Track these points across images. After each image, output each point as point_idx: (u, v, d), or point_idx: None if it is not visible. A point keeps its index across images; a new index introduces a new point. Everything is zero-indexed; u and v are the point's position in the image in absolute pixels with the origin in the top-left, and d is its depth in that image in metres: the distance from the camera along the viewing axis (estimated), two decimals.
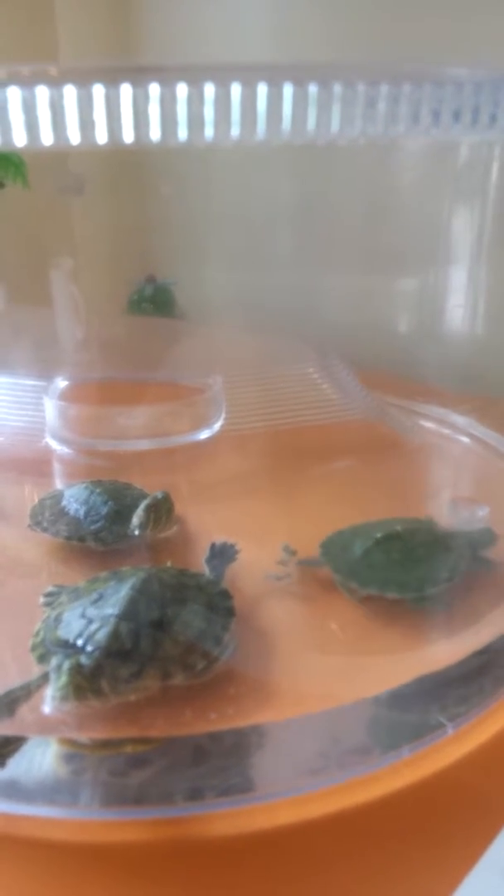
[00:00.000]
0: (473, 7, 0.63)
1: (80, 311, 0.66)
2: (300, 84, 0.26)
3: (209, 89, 0.27)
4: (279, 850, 0.31)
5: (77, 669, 0.31)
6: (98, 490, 0.47)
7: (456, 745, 0.34)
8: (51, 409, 0.57)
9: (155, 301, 0.81)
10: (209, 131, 0.27)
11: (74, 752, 0.33)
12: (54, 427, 0.57)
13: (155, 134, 0.27)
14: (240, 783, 0.34)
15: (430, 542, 0.42)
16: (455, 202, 0.56)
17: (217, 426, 0.57)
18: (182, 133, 0.27)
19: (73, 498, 0.47)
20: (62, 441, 0.56)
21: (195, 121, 0.27)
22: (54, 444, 0.56)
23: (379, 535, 0.42)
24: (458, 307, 0.57)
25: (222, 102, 0.27)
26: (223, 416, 0.58)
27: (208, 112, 0.27)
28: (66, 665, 0.31)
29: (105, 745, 0.33)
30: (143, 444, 0.56)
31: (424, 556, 0.41)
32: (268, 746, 0.34)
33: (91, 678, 0.32)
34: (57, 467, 0.55)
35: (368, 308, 0.65)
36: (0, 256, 0.68)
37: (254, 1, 0.75)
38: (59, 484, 0.53)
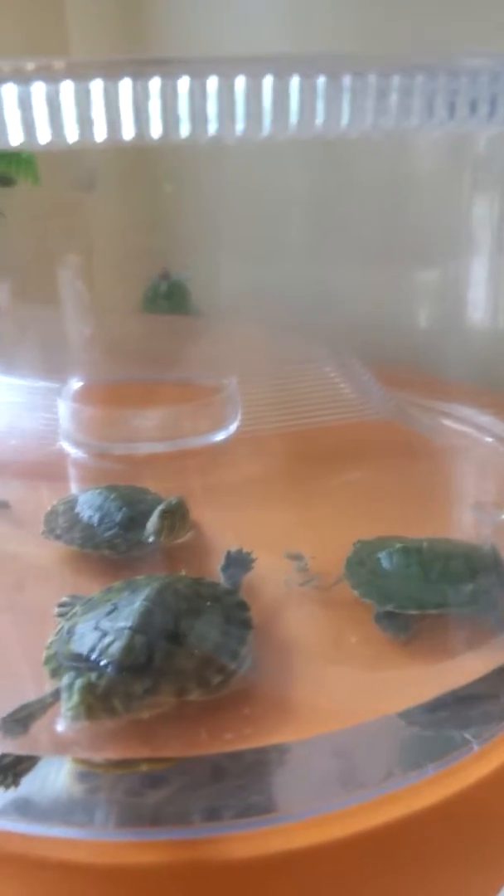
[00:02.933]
0: None
1: (91, 311, 0.66)
2: (307, 76, 0.24)
3: (212, 83, 0.25)
4: (299, 873, 0.30)
5: (89, 689, 0.31)
6: (112, 496, 0.46)
7: (481, 762, 0.33)
8: (64, 411, 0.57)
9: (170, 297, 0.80)
10: (213, 126, 0.26)
11: (89, 771, 0.33)
12: (68, 430, 0.56)
13: (156, 130, 0.26)
14: (259, 803, 0.33)
15: (455, 558, 0.41)
16: (475, 192, 0.54)
17: (233, 427, 0.56)
18: (184, 129, 0.26)
19: (87, 504, 0.46)
20: (76, 444, 0.55)
21: (198, 116, 0.25)
22: (68, 448, 0.56)
23: (399, 545, 0.41)
24: (479, 300, 0.55)
25: (226, 96, 0.25)
26: (239, 416, 0.57)
27: (211, 107, 0.25)
28: (78, 684, 0.31)
29: (120, 763, 0.32)
30: (159, 447, 0.55)
31: (446, 572, 0.40)
32: (288, 765, 0.33)
33: (103, 698, 0.31)
34: (71, 471, 0.55)
35: (387, 303, 0.63)
36: (11, 254, 0.67)
37: None
38: (73, 488, 0.52)
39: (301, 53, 0.26)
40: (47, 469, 0.55)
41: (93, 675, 0.31)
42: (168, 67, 0.25)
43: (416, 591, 0.39)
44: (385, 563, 0.41)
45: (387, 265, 0.62)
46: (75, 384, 0.59)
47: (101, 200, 0.73)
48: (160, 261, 0.81)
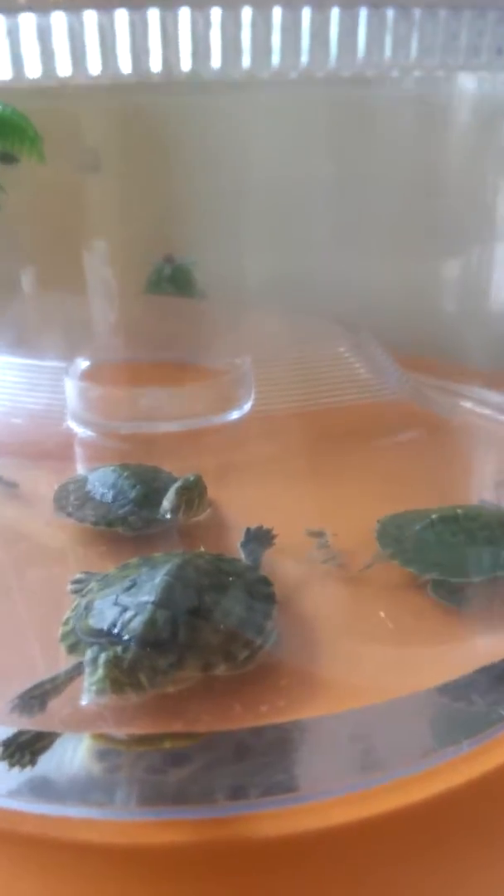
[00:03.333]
0: None
1: (108, 291, 0.64)
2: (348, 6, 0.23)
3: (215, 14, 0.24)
4: (328, 853, 0.29)
5: (114, 662, 0.29)
6: (126, 473, 0.45)
7: None
8: (72, 390, 0.55)
9: (174, 281, 0.79)
10: (216, 61, 0.24)
11: (109, 749, 0.31)
12: (76, 409, 0.55)
13: (156, 65, 0.24)
14: (285, 781, 0.32)
15: (493, 525, 0.40)
16: (498, 177, 0.53)
17: (247, 407, 0.55)
18: (185, 63, 0.24)
19: (100, 482, 0.45)
20: (84, 423, 0.54)
21: (200, 50, 0.24)
22: (76, 427, 0.54)
23: (435, 516, 0.40)
24: (500, 285, 0.54)
25: (231, 29, 0.24)
26: (253, 396, 0.55)
27: (215, 39, 0.24)
28: (103, 658, 0.29)
29: (142, 740, 0.31)
30: (169, 427, 0.53)
31: (488, 539, 0.39)
32: (315, 742, 0.32)
33: (129, 672, 0.29)
34: (79, 451, 0.53)
35: (405, 287, 0.62)
36: (14, 234, 0.66)
37: None
38: (81, 469, 0.51)
39: None
40: (55, 449, 0.54)
41: (118, 649, 0.30)
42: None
43: (467, 559, 0.38)
44: (427, 534, 0.39)
45: (406, 250, 0.61)
46: (83, 363, 0.58)
47: (105, 182, 0.72)
48: (165, 244, 0.79)
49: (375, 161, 0.58)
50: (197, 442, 0.53)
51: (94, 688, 0.29)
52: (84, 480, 0.46)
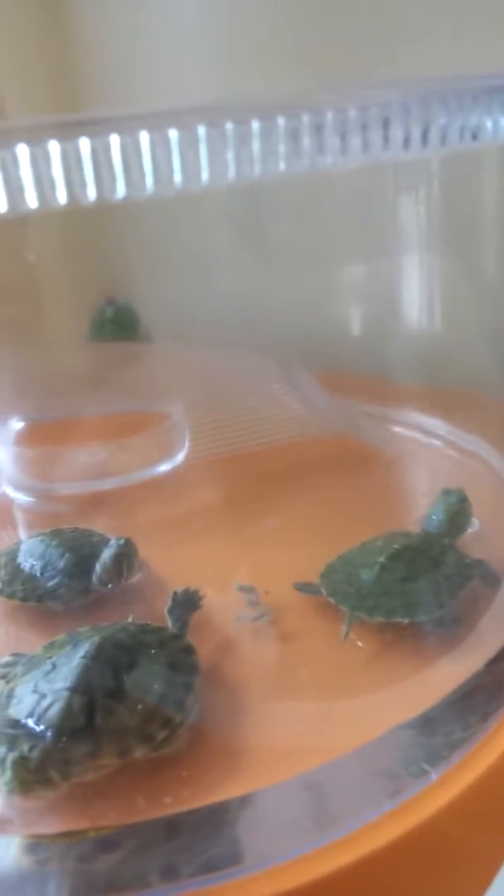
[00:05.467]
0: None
1: (34, 344, 0.64)
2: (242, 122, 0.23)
3: (144, 138, 0.24)
4: None
5: (21, 763, 0.29)
6: (55, 542, 0.45)
7: (439, 792, 0.32)
8: (5, 454, 0.55)
9: (117, 322, 0.79)
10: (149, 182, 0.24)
11: (37, 842, 0.31)
12: (11, 474, 0.54)
13: (91, 192, 0.24)
14: (225, 854, 0.31)
15: (432, 556, 0.41)
16: (398, 193, 0.53)
17: (180, 456, 0.55)
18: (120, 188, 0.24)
19: (30, 553, 0.45)
20: (20, 488, 0.54)
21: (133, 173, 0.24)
22: (12, 493, 0.54)
23: (383, 558, 0.41)
24: (414, 300, 0.54)
25: (161, 151, 0.24)
26: (186, 444, 0.56)
27: (147, 163, 0.24)
28: (10, 758, 0.29)
29: (66, 832, 0.31)
30: (106, 484, 0.53)
31: (429, 572, 0.40)
32: (252, 811, 0.32)
33: (38, 770, 0.29)
34: (18, 517, 0.53)
35: (329, 309, 0.62)
36: None
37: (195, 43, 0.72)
38: (21, 535, 0.51)
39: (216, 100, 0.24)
40: None
41: (25, 748, 0.30)
42: (97, 126, 0.24)
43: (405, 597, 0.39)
44: (383, 577, 0.40)
45: (321, 271, 0.61)
46: (16, 424, 0.58)
47: (40, 231, 0.72)
48: (107, 286, 0.80)
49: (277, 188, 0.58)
50: (133, 497, 0.53)
51: (4, 789, 0.29)
52: (15, 552, 0.46)
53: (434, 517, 0.45)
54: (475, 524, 0.46)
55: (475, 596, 0.40)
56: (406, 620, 0.38)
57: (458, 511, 0.44)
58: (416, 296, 0.55)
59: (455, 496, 0.45)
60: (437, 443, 0.56)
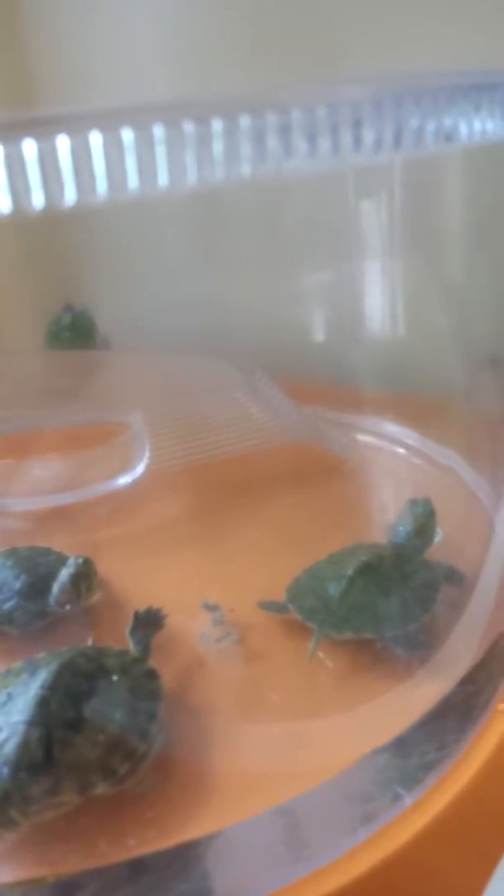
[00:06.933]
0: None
1: None
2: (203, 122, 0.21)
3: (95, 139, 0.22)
4: None
5: None
6: (10, 563, 0.43)
7: (414, 817, 0.31)
8: None
9: (74, 329, 0.77)
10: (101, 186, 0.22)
11: None
12: None
13: (37, 199, 0.22)
14: (188, 892, 0.30)
15: (400, 568, 0.40)
16: (360, 198, 0.52)
17: (140, 468, 0.53)
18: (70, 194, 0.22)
19: None
20: None
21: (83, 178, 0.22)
22: None
23: (350, 572, 0.39)
24: (375, 305, 0.54)
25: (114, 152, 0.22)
26: (147, 455, 0.54)
27: (98, 166, 0.22)
28: None
29: (24, 879, 0.29)
30: (63, 498, 0.51)
31: (397, 584, 0.38)
32: (214, 849, 0.30)
33: None
34: None
35: (287, 315, 0.61)
36: None
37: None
38: None
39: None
40: None
41: None
42: (44, 127, 0.22)
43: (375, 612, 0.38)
44: (340, 589, 0.39)
45: (282, 277, 0.60)
46: None
47: None
48: (64, 293, 0.77)
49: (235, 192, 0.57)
50: (92, 512, 0.51)
51: None
52: None
53: (401, 528, 0.44)
54: (439, 533, 0.45)
55: (446, 608, 0.40)
56: (375, 636, 0.37)
57: (425, 521, 0.44)
58: (378, 302, 0.54)
59: (422, 506, 0.44)
60: (402, 450, 0.55)
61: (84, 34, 0.70)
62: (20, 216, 0.22)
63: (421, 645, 0.37)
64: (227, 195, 0.58)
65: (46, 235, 0.69)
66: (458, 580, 0.42)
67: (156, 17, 0.66)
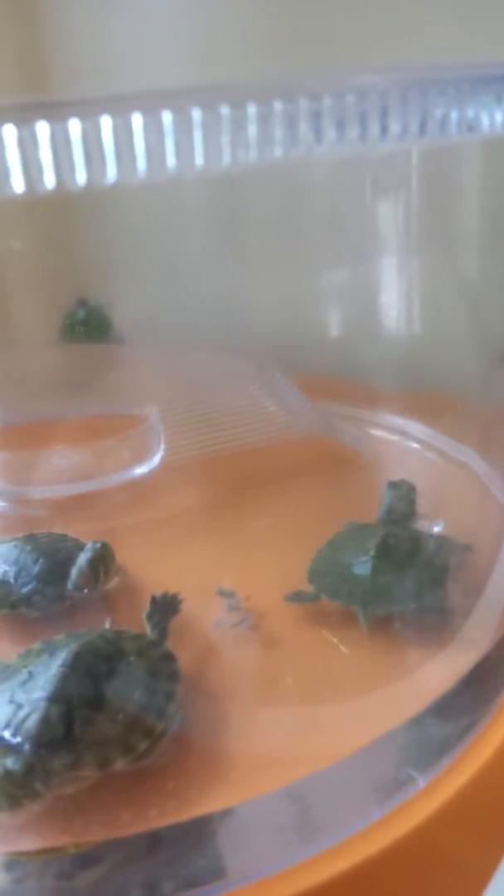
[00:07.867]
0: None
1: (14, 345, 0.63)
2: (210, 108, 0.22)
3: (106, 123, 0.23)
4: None
5: (7, 778, 0.28)
6: (28, 547, 0.44)
7: (427, 799, 0.31)
8: None
9: (88, 324, 0.78)
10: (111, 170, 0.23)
11: (15, 859, 0.30)
12: None
13: (49, 179, 0.23)
14: (208, 868, 0.31)
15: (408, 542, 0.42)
16: (378, 194, 0.53)
17: (156, 459, 0.54)
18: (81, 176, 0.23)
19: (2, 559, 0.43)
20: None
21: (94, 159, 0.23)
22: None
23: (373, 552, 0.40)
24: (392, 302, 0.54)
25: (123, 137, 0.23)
26: (162, 447, 0.55)
27: (108, 148, 0.23)
28: None
29: (44, 849, 0.29)
30: (81, 487, 0.52)
31: (413, 558, 0.40)
32: (236, 822, 0.31)
33: (23, 783, 0.28)
34: None
35: (303, 310, 0.62)
36: None
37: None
38: None
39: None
40: None
41: (8, 762, 0.29)
42: (56, 110, 0.23)
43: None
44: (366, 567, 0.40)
45: (298, 272, 0.61)
46: None
47: (9, 230, 0.70)
48: (79, 287, 0.78)
49: (254, 190, 0.57)
50: (109, 501, 0.52)
51: None
52: None
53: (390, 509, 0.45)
54: (440, 523, 0.46)
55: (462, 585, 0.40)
56: (415, 605, 0.39)
57: (407, 499, 0.45)
58: (395, 298, 0.55)
59: (404, 486, 0.45)
60: (416, 445, 0.55)
61: (101, 23, 0.71)
62: (32, 196, 0.23)
63: (447, 611, 0.38)
64: (244, 190, 0.58)
65: (62, 230, 0.70)
66: (458, 549, 0.43)
67: (173, 8, 0.67)
